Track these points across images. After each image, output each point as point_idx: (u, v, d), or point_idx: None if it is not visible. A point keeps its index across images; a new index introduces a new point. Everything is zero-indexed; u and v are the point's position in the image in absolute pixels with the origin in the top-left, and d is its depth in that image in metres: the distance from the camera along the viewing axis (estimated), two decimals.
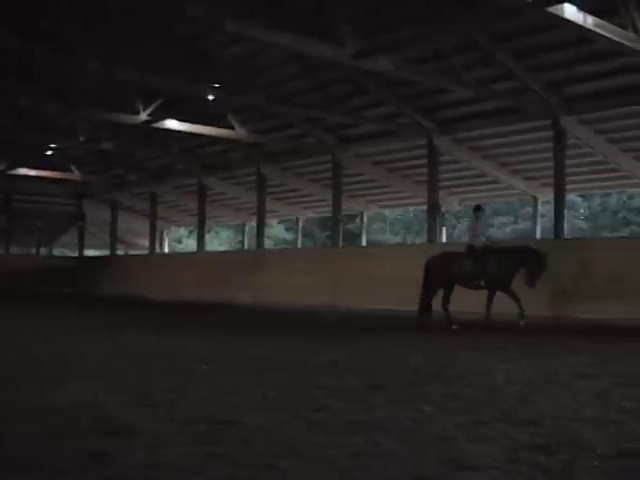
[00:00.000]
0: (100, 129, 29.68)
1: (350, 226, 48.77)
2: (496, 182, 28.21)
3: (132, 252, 47.35)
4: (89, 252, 47.35)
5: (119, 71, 20.19)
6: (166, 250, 46.12)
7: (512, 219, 49.95)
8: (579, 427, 5.25)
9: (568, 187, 22.94)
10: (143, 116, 24.62)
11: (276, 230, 56.99)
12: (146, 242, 41.13)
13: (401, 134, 25.47)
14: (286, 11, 18.16)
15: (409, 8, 17.89)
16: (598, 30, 14.49)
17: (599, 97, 20.08)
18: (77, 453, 4.37)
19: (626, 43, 15.37)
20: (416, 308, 16.43)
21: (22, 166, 34.74)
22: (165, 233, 46.50)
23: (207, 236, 40.91)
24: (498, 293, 15.63)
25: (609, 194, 46.28)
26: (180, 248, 56.76)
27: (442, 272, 16.24)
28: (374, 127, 25.64)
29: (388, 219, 56.32)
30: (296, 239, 40.26)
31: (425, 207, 26.77)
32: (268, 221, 38.31)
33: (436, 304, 16.26)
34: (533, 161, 25.78)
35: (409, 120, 24.48)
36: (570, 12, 13.70)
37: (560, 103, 20.77)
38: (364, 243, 35.63)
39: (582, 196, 44.65)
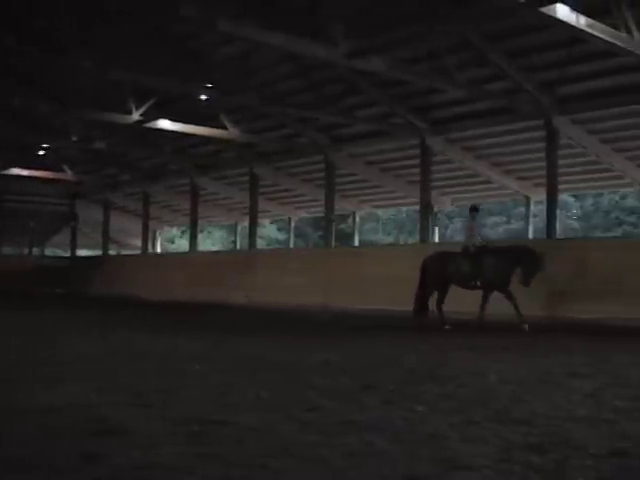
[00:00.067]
0: (93, 129, 29.65)
1: (343, 226, 48.78)
2: (489, 182, 28.24)
3: (124, 252, 47.31)
4: (81, 252, 47.29)
5: (112, 71, 20.17)
6: (158, 250, 46.07)
7: (505, 219, 50.00)
8: (572, 427, 5.25)
9: (561, 187, 22.98)
10: (136, 116, 24.58)
11: (269, 230, 56.98)
12: (139, 242, 41.09)
13: (394, 134, 25.47)
14: (279, 11, 18.15)
15: (402, 8, 17.89)
16: (591, 30, 14.51)
17: (592, 97, 20.12)
18: (70, 453, 4.36)
19: (618, 43, 15.40)
20: (410, 308, 16.43)
21: (14, 166, 34.66)
22: (158, 233, 46.43)
23: (200, 236, 40.90)
24: (495, 293, 15.65)
25: (601, 194, 46.34)
26: (172, 248, 56.70)
27: (438, 272, 16.24)
28: (367, 127, 25.65)
29: (381, 219, 56.34)
30: (289, 239, 40.26)
31: (418, 207, 26.79)
32: (261, 221, 38.32)
33: (431, 304, 16.28)
34: (526, 161, 25.80)
35: (402, 120, 24.48)
36: (563, 12, 13.71)
37: (553, 103, 20.80)
38: (357, 243, 35.64)
39: (575, 196, 44.72)
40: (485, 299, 15.71)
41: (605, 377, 7.84)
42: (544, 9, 13.47)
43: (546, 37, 17.99)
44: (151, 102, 24.15)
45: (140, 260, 38.63)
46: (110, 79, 21.49)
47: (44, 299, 30.91)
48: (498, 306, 15.59)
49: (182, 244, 54.50)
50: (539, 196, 26.96)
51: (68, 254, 45.84)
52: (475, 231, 16.39)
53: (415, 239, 35.24)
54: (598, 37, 14.87)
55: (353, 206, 34.82)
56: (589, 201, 49.47)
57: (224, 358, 9.59)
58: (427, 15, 17.34)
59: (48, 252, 48.91)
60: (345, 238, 46.47)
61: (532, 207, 28.89)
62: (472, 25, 17.96)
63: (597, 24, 14.65)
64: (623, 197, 47.47)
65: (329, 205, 28.18)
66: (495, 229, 48.39)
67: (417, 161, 25.40)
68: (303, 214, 40.02)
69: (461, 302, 16.21)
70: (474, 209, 16.68)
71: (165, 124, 25.35)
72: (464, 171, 27.47)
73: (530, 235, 27.75)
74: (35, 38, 20.82)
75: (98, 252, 44.40)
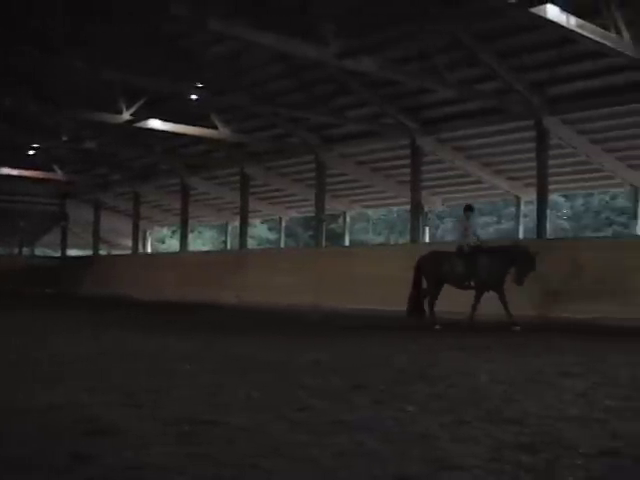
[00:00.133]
0: (83, 128, 29.60)
1: (333, 226, 48.77)
2: (479, 182, 28.28)
3: (115, 252, 47.23)
4: (72, 252, 47.18)
5: (103, 71, 20.13)
6: (149, 250, 46.01)
7: (495, 219, 50.07)
8: (563, 426, 5.26)
9: (551, 187, 23.04)
10: (126, 116, 24.54)
11: (259, 230, 56.94)
12: (129, 242, 41.04)
13: (384, 134, 25.49)
14: (270, 10, 18.14)
15: (393, 8, 17.91)
16: (581, 31, 14.55)
17: (582, 97, 20.17)
18: (62, 453, 4.35)
19: (608, 44, 15.45)
20: (400, 308, 16.44)
21: (4, 166, 34.55)
22: (148, 233, 46.40)
23: (190, 236, 40.82)
24: (487, 293, 15.67)
25: (592, 194, 46.43)
26: (163, 248, 56.62)
27: (433, 272, 16.24)
28: (358, 127, 25.65)
29: (371, 219, 56.35)
30: (279, 239, 40.21)
31: (408, 207, 26.79)
32: (251, 221, 38.27)
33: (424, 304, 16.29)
34: (516, 161, 25.86)
35: (392, 120, 24.50)
36: (553, 13, 13.74)
37: (543, 103, 20.84)
38: (347, 243, 35.61)
39: (565, 196, 44.77)
40: (477, 299, 15.72)
41: (597, 377, 7.85)
42: (534, 9, 13.49)
43: (536, 37, 18.03)
44: (141, 102, 24.11)
45: (131, 260, 38.57)
46: (101, 79, 21.48)
47: (34, 299, 30.83)
48: (489, 306, 15.60)
49: (173, 244, 54.41)
50: (529, 196, 27.00)
51: (58, 254, 45.74)
52: (470, 231, 16.39)
53: (406, 239, 35.24)
54: (588, 37, 14.92)
55: (344, 206, 34.84)
56: (579, 201, 49.57)
57: (215, 358, 9.58)
58: (418, 15, 17.36)
59: (38, 252, 48.83)
60: (336, 238, 46.45)
61: (522, 207, 28.96)
62: (463, 25, 18.00)
63: (587, 24, 14.69)
64: (613, 197, 47.57)
65: (320, 205, 28.19)
66: (485, 229, 48.40)
67: (408, 161, 25.40)
68: (294, 214, 40.04)
69: (453, 302, 16.22)
70: (469, 209, 16.68)
71: (156, 124, 25.32)
72: (455, 171, 27.51)
73: (520, 235, 27.79)
74: (25, 38, 20.77)
75: (88, 252, 44.33)
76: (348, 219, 36.34)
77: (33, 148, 32.79)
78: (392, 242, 50.83)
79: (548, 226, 22.28)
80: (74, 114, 25.74)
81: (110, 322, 16.85)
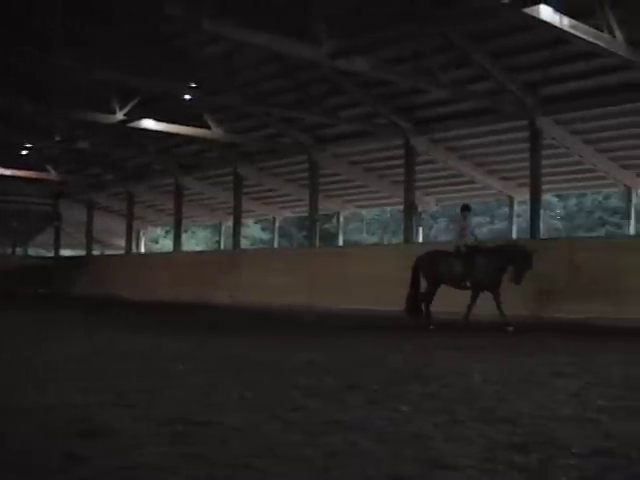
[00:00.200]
0: (76, 128, 29.52)
1: (327, 226, 48.77)
2: (473, 182, 28.29)
3: (108, 252, 47.15)
4: (65, 252, 47.10)
5: (96, 70, 20.08)
6: (142, 250, 45.95)
7: (488, 219, 50.10)
8: (556, 426, 5.27)
9: (544, 187, 23.06)
10: (119, 115, 24.49)
11: (253, 230, 56.89)
12: (122, 242, 41.00)
13: (378, 134, 25.49)
14: (264, 11, 18.12)
15: (386, 8, 17.91)
16: (574, 31, 14.56)
17: (575, 98, 20.19)
18: (56, 453, 4.35)
19: (601, 44, 15.48)
20: (394, 308, 16.44)
21: None
22: (142, 233, 46.35)
23: (184, 236, 40.82)
24: (485, 293, 15.67)
25: (585, 194, 46.51)
26: (157, 248, 56.54)
27: (430, 271, 16.23)
28: (351, 127, 25.65)
29: (365, 219, 56.34)
30: (273, 239, 40.23)
31: (402, 207, 26.83)
32: (245, 221, 38.29)
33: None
34: (509, 161, 25.88)
35: (386, 120, 24.51)
36: (546, 13, 13.75)
37: (536, 104, 20.86)
38: (341, 243, 35.64)
39: (558, 196, 44.84)
40: (474, 299, 15.72)
41: (589, 376, 7.87)
42: (527, 10, 13.51)
43: (530, 38, 18.05)
44: (135, 102, 24.06)
45: (124, 260, 38.51)
46: (94, 78, 21.41)
47: (27, 299, 30.79)
48: (483, 306, 15.61)
49: (166, 244, 54.36)
50: (523, 196, 27.05)
51: (52, 254, 45.67)
52: (467, 231, 16.38)
53: (399, 239, 35.27)
54: (581, 38, 14.94)
55: (337, 206, 34.84)
56: (572, 201, 49.63)
57: (208, 358, 9.58)
58: (411, 15, 17.36)
59: (31, 252, 48.68)
60: (329, 238, 46.46)
61: (516, 207, 28.99)
62: (456, 25, 18.01)
63: (580, 25, 14.71)
64: (606, 197, 47.65)
65: (313, 205, 28.18)
66: (479, 229, 48.30)
67: (401, 161, 25.42)
68: (287, 214, 40.01)
69: (449, 302, 16.22)
70: (465, 208, 16.68)
71: (149, 124, 25.28)
72: (448, 171, 27.53)
73: (514, 235, 27.82)
74: (20, 38, 20.73)
75: (82, 252, 44.25)
76: (342, 219, 36.36)
77: (26, 148, 32.71)
78: (386, 242, 50.80)
79: (541, 226, 22.33)
80: (67, 114, 25.68)
81: (103, 322, 16.84)
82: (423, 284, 16.43)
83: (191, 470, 4.05)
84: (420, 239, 29.44)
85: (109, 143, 31.64)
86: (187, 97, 22.79)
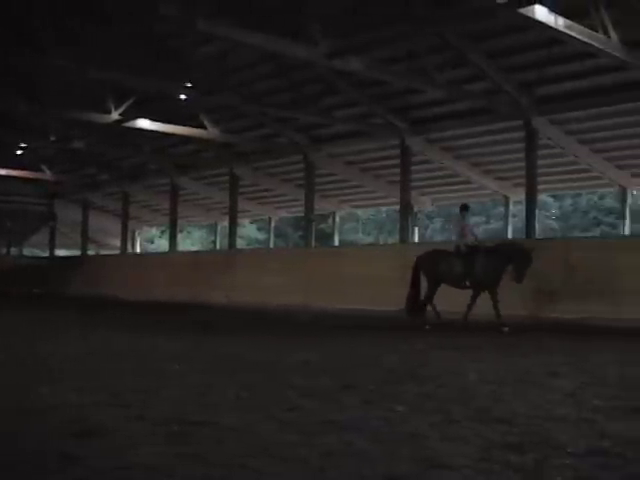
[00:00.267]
0: (71, 128, 29.49)
1: (323, 226, 48.67)
2: (468, 182, 28.31)
3: (104, 252, 47.11)
4: (60, 252, 47.05)
5: (91, 70, 20.07)
6: (138, 250, 45.91)
7: (484, 219, 50.15)
8: (551, 426, 5.28)
9: (540, 187, 23.07)
10: (115, 115, 24.48)
11: (248, 230, 56.86)
12: (118, 242, 40.95)
13: (373, 134, 25.50)
14: (259, 10, 18.12)
15: (382, 8, 17.91)
16: (569, 32, 14.58)
17: (570, 98, 20.22)
18: (51, 454, 4.34)
19: (596, 44, 15.50)
20: (390, 308, 16.43)
21: None
22: (137, 233, 46.30)
23: (179, 236, 40.82)
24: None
25: (580, 194, 46.59)
26: (152, 248, 56.53)
27: (430, 271, 16.21)
28: (346, 127, 25.65)
29: (361, 219, 56.35)
30: (268, 239, 40.21)
31: (398, 207, 26.83)
32: (240, 221, 38.29)
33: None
34: (505, 161, 25.91)
35: (381, 120, 24.52)
36: (541, 14, 13.77)
37: (532, 104, 20.88)
38: (337, 243, 35.62)
39: (553, 196, 44.89)
40: (474, 299, 15.69)
41: (585, 376, 7.88)
42: (523, 10, 13.52)
43: (525, 38, 18.08)
44: (130, 101, 24.06)
45: (119, 260, 38.48)
46: (89, 78, 21.40)
47: (22, 299, 30.74)
48: (480, 306, 15.60)
49: (162, 244, 54.36)
50: (518, 196, 27.07)
51: (47, 254, 45.61)
52: (466, 230, 16.38)
53: (395, 239, 35.22)
54: (576, 38, 14.96)
55: (333, 206, 34.83)
56: (568, 201, 49.71)
57: (204, 358, 9.57)
58: (406, 15, 17.36)
59: (26, 252, 48.60)
60: (325, 238, 46.40)
61: (511, 207, 29.05)
62: (451, 26, 18.00)
63: (575, 25, 14.73)
64: (601, 197, 47.73)
65: (309, 205, 28.18)
66: (475, 229, 48.44)
67: (397, 161, 25.42)
68: (283, 214, 40.03)
69: (447, 301, 16.22)
70: (464, 208, 16.68)
71: (144, 124, 25.25)
72: (444, 171, 27.56)
73: (509, 235, 27.85)
74: (14, 37, 20.71)
75: (77, 252, 44.20)
76: (337, 219, 36.34)
77: (21, 148, 32.68)
78: (381, 242, 50.86)
79: (537, 226, 22.34)
80: (62, 114, 25.64)
81: (98, 322, 16.82)
82: (423, 284, 16.42)
83: (187, 470, 4.05)
84: (416, 239, 29.48)
85: (104, 143, 31.62)
86: (182, 97, 22.80)
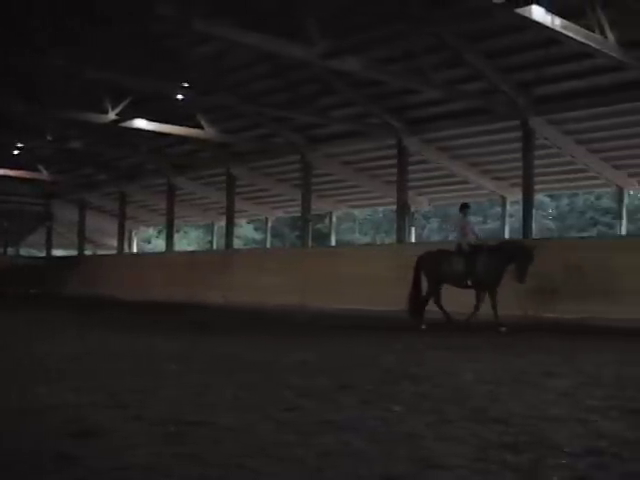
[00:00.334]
0: (68, 128, 29.46)
1: (319, 226, 48.75)
2: (465, 182, 28.30)
3: (100, 252, 47.08)
4: (57, 252, 47.03)
5: (88, 70, 20.05)
6: (135, 250, 45.89)
7: (481, 219, 50.14)
8: (547, 426, 5.29)
9: (536, 187, 23.09)
10: (112, 115, 24.46)
11: (245, 230, 56.81)
12: (115, 242, 40.93)
13: (370, 134, 25.49)
14: (255, 10, 18.12)
15: (379, 8, 17.92)
16: (565, 32, 14.59)
17: (567, 98, 20.23)
18: (49, 454, 4.34)
19: (593, 45, 15.52)
20: (387, 308, 16.42)
21: None
22: (134, 233, 46.26)
23: (176, 236, 40.78)
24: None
25: (577, 194, 46.59)
26: (149, 248, 56.46)
27: (432, 270, 16.19)
28: (343, 127, 25.64)
29: (357, 219, 56.33)
30: (265, 239, 40.20)
31: (394, 207, 26.84)
32: (237, 221, 38.27)
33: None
34: (502, 161, 25.90)
35: (378, 120, 24.52)
36: (538, 14, 13.78)
37: (529, 104, 20.90)
38: (333, 243, 35.61)
39: (550, 196, 44.89)
40: (480, 299, 15.65)
41: (581, 376, 7.89)
42: (520, 10, 13.53)
43: (522, 38, 18.08)
44: (127, 101, 24.04)
45: (116, 260, 38.47)
46: (86, 78, 21.38)
47: (19, 299, 30.72)
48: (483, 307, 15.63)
49: (158, 244, 54.30)
50: (515, 196, 27.08)
51: (43, 254, 45.60)
52: (468, 229, 16.37)
53: (392, 239, 35.26)
54: (573, 38, 14.97)
55: (330, 206, 34.82)
56: (564, 201, 49.69)
57: (201, 358, 9.58)
58: (402, 15, 17.37)
59: (23, 252, 48.61)
60: (322, 238, 46.43)
61: (508, 207, 29.02)
62: (448, 25, 18.01)
63: (572, 25, 14.74)
64: (598, 197, 47.74)
65: (306, 205, 28.18)
66: None
67: (394, 161, 25.42)
68: (280, 214, 39.98)
69: (446, 301, 16.24)
70: (465, 207, 16.67)
71: (141, 124, 25.23)
72: (440, 171, 27.55)
73: (506, 235, 27.85)
74: (13, 37, 20.69)
75: (74, 252, 44.17)
76: (334, 219, 36.32)
77: (18, 148, 32.65)
78: (378, 242, 50.80)
79: (534, 226, 22.36)
80: (59, 114, 25.60)
81: (96, 322, 16.81)
82: (424, 284, 16.40)
83: (184, 470, 4.05)
84: (413, 239, 29.48)
85: (101, 143, 31.56)
86: (179, 97, 22.77)
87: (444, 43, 19.12)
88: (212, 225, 42.78)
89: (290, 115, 24.96)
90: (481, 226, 48.22)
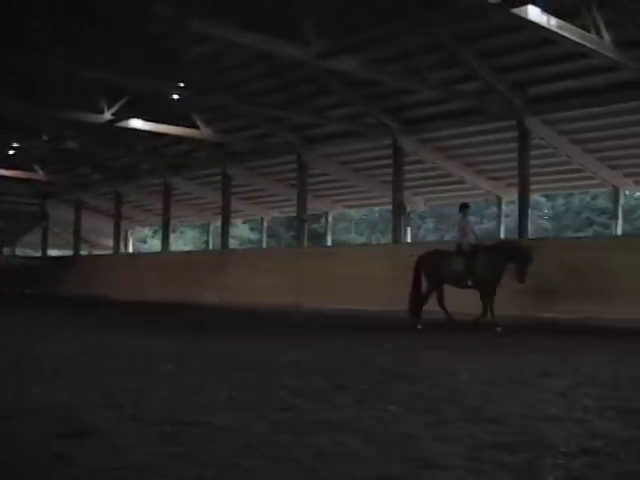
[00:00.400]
0: (64, 128, 29.43)
1: (315, 226, 48.68)
2: (461, 182, 28.33)
3: (96, 252, 47.05)
4: (52, 252, 46.97)
5: (84, 70, 20.03)
6: (130, 250, 45.86)
7: (477, 219, 50.18)
8: (543, 426, 5.29)
9: (532, 187, 23.11)
10: (107, 115, 24.43)
11: (241, 230, 56.81)
12: (110, 242, 40.91)
13: (366, 134, 25.49)
14: (252, 10, 18.12)
15: (375, 8, 17.93)
16: (561, 32, 14.59)
17: (562, 98, 20.24)
18: (42, 454, 4.34)
19: (588, 45, 15.53)
20: (383, 308, 16.41)
21: None
22: (129, 233, 46.24)
23: (172, 236, 40.75)
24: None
25: (572, 194, 46.67)
26: (145, 248, 56.46)
27: (432, 271, 16.17)
28: (340, 127, 25.64)
29: (353, 219, 56.36)
30: (261, 239, 40.17)
31: (390, 207, 26.82)
32: (233, 221, 38.26)
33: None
34: (498, 161, 25.93)
35: (374, 120, 24.52)
36: (534, 14, 13.78)
37: (524, 104, 20.91)
38: (329, 243, 35.59)
39: (546, 196, 44.97)
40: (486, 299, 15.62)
41: (577, 376, 7.89)
42: (515, 10, 13.53)
43: (518, 38, 18.09)
44: (123, 101, 24.02)
45: (112, 260, 38.42)
46: (82, 78, 21.36)
47: (14, 299, 30.67)
48: (473, 306, 15.61)
49: (154, 244, 54.30)
50: (511, 196, 27.10)
51: (39, 254, 45.54)
52: (467, 229, 16.36)
53: (387, 239, 35.22)
54: (568, 38, 14.98)
55: (326, 206, 34.81)
56: (560, 201, 49.77)
57: (196, 358, 9.57)
58: (399, 15, 17.38)
59: (19, 252, 48.54)
60: (318, 238, 46.38)
61: (504, 207, 29.07)
62: (445, 26, 18.03)
63: (567, 25, 14.74)
64: (594, 197, 47.81)
65: (301, 205, 28.18)
66: None
67: (389, 161, 25.41)
68: (276, 214, 39.99)
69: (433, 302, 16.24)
70: (464, 207, 16.66)
71: (137, 123, 25.20)
72: (436, 171, 27.58)
73: (502, 235, 27.87)
74: (10, 37, 20.67)
75: (69, 252, 44.13)
76: (330, 219, 36.28)
77: (13, 148, 32.61)
78: (374, 242, 50.85)
79: (529, 226, 22.36)
80: (55, 113, 25.56)
81: (91, 322, 16.80)
82: (424, 284, 16.39)
83: (179, 470, 4.05)
84: (408, 239, 29.49)
85: (97, 143, 31.52)
86: (175, 97, 22.75)
87: (440, 43, 19.13)
88: (208, 225, 42.78)
89: (286, 115, 24.95)
90: (477, 226, 48.24)
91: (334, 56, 17.19)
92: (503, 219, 28.96)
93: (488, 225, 46.24)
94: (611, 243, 20.20)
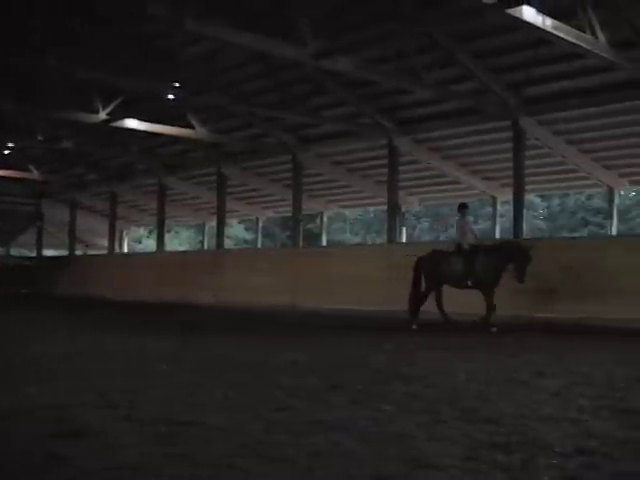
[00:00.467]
0: (59, 128, 29.38)
1: (310, 226, 48.74)
2: (456, 182, 28.33)
3: (91, 252, 46.99)
4: (47, 252, 46.91)
5: (79, 70, 20.00)
6: (125, 250, 45.82)
7: (472, 219, 50.17)
8: (538, 426, 5.29)
9: (527, 187, 23.13)
10: (102, 115, 24.38)
11: (236, 230, 56.78)
12: (105, 242, 40.83)
13: (361, 134, 25.49)
14: (247, 10, 18.10)
15: (370, 8, 17.93)
16: (556, 32, 14.60)
17: (557, 98, 20.26)
18: (37, 454, 4.34)
19: (583, 45, 15.53)
20: (378, 308, 16.41)
21: None
22: (125, 233, 46.20)
23: (167, 236, 40.72)
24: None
25: (567, 194, 46.69)
26: (140, 248, 56.38)
27: (432, 271, 16.16)
28: (334, 127, 25.63)
29: (348, 219, 56.35)
30: (256, 239, 40.18)
31: (385, 207, 26.81)
32: (228, 221, 38.20)
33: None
34: (493, 161, 25.93)
35: (369, 120, 24.52)
36: (529, 14, 13.79)
37: (519, 104, 20.92)
38: (324, 243, 35.61)
39: (541, 196, 44.98)
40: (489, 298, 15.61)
41: (573, 376, 7.90)
42: (510, 10, 13.54)
43: (513, 38, 18.11)
44: (118, 101, 23.97)
45: (107, 260, 38.41)
46: (77, 78, 21.33)
47: (9, 299, 30.64)
48: (472, 306, 15.61)
49: (149, 244, 54.20)
50: (506, 196, 27.10)
51: (34, 254, 45.50)
52: (467, 229, 16.36)
53: (382, 239, 35.27)
54: (564, 39, 14.98)
55: (321, 206, 34.82)
56: (555, 201, 49.79)
57: (192, 358, 9.57)
58: (394, 15, 17.38)
59: (14, 252, 48.49)
60: (313, 238, 46.45)
61: (499, 207, 29.05)
62: (440, 26, 18.04)
63: (562, 26, 14.75)
64: (589, 198, 47.85)
65: (297, 205, 28.16)
66: None
67: (385, 161, 25.41)
68: (271, 214, 39.98)
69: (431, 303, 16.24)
70: (463, 207, 16.66)
71: (132, 123, 25.17)
72: (431, 171, 27.58)
73: (497, 235, 27.88)
74: (10, 37, 20.63)
75: (64, 252, 44.08)
76: (325, 219, 36.30)
77: (8, 147, 32.55)
78: (369, 242, 50.84)
79: (524, 226, 22.36)
80: (50, 113, 25.52)
81: (86, 322, 16.79)
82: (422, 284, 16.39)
83: (174, 470, 4.05)
84: (403, 239, 29.46)
85: (92, 143, 31.44)
86: (170, 97, 22.72)
87: (435, 43, 19.13)
88: (203, 225, 42.79)
89: (281, 115, 24.92)
90: (472, 226, 48.32)
91: (329, 56, 17.18)
92: (498, 219, 28.94)
93: (483, 225, 46.22)
94: (606, 243, 20.20)
